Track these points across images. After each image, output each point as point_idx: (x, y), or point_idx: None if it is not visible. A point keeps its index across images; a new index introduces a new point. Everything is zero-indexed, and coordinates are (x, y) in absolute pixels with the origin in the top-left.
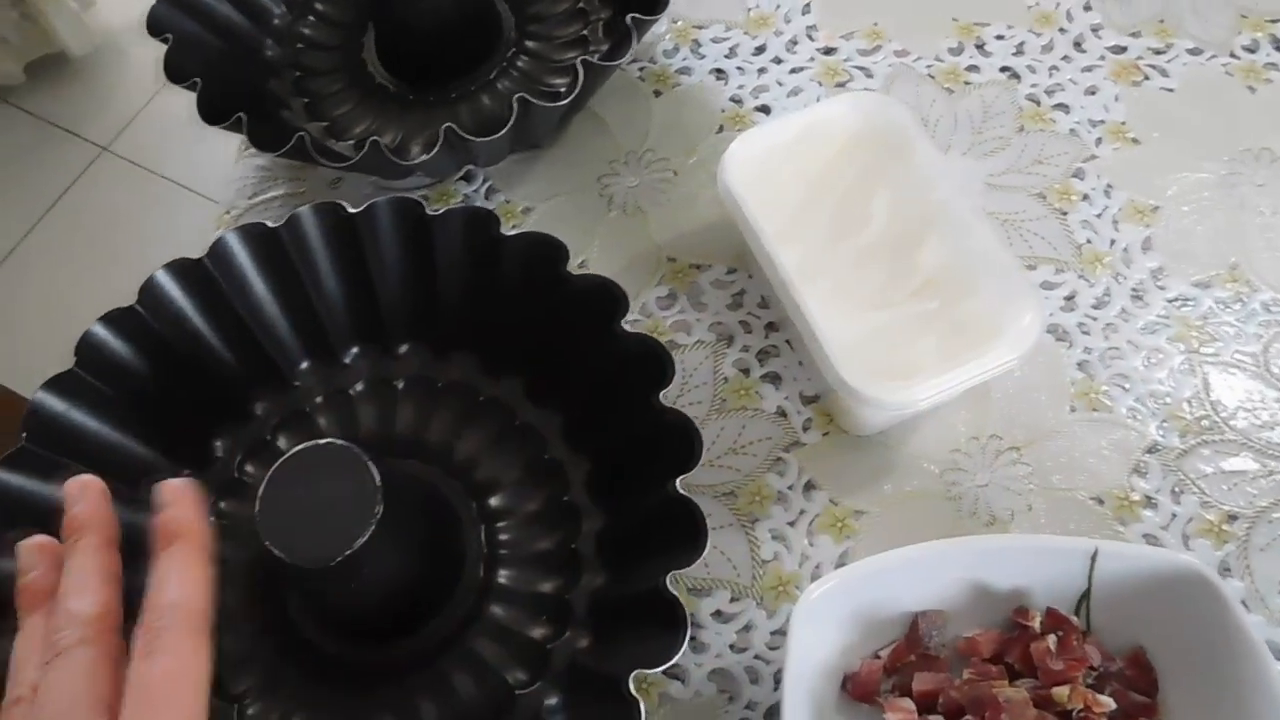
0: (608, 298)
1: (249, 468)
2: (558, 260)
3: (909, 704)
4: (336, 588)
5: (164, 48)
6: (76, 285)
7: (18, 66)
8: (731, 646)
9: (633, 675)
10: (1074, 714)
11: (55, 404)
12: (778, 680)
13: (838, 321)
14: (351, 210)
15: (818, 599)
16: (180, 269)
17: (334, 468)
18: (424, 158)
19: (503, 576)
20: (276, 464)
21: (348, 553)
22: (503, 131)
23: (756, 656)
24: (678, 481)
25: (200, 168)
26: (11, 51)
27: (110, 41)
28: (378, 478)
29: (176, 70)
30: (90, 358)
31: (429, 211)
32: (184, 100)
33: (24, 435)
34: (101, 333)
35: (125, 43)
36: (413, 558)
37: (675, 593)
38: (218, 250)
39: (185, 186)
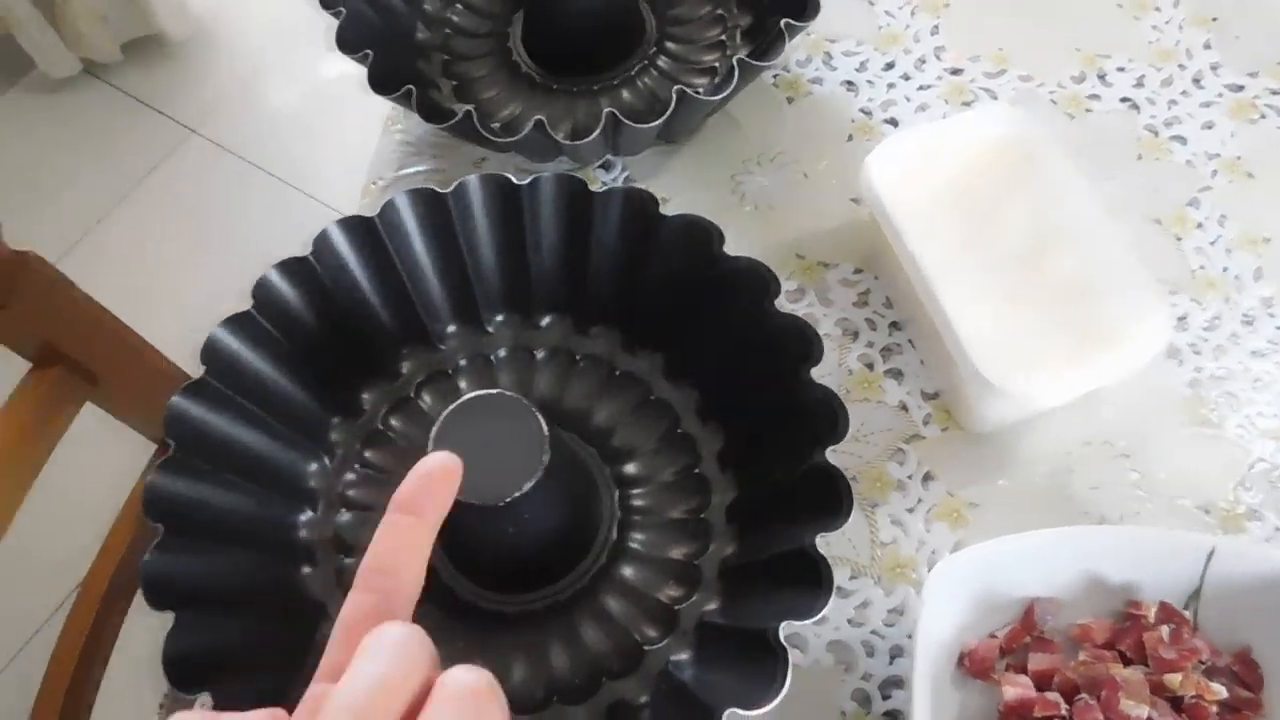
0: (760, 278)
1: (393, 421)
2: (712, 242)
3: (1026, 680)
4: (494, 530)
5: (256, 33)
6: (156, 262)
7: (115, 45)
8: (849, 621)
9: (782, 626)
10: (1184, 701)
11: (230, 341)
12: (892, 655)
13: (971, 320)
14: (517, 182)
15: (950, 571)
16: (351, 225)
17: (503, 417)
18: (584, 140)
19: (634, 540)
20: (448, 409)
21: (517, 494)
22: (661, 119)
23: (873, 631)
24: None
25: (286, 155)
26: (110, 30)
27: (206, 26)
28: (545, 428)
29: (348, 42)
30: (264, 300)
31: (591, 189)
32: (275, 89)
33: (204, 368)
34: (275, 278)
35: (221, 28)
36: (560, 512)
37: (822, 552)
38: (388, 210)
39: (269, 172)
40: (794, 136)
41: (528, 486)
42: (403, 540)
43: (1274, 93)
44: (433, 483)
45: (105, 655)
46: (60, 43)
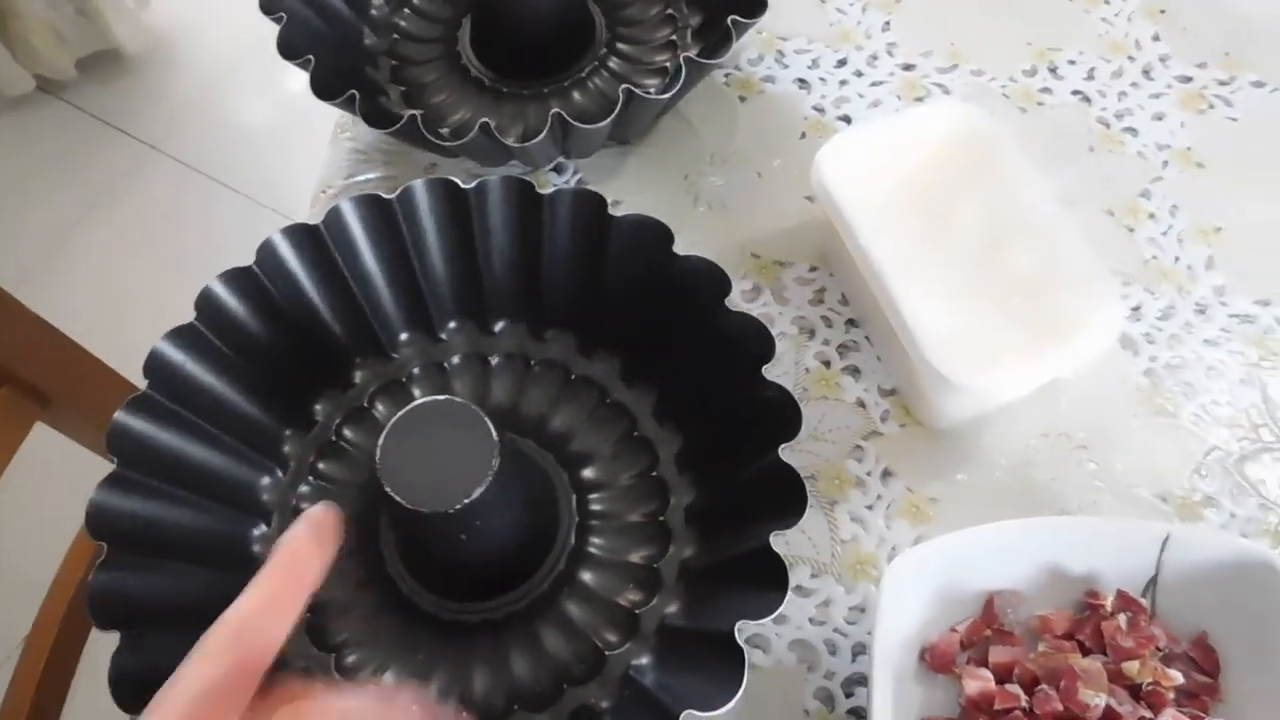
0: (712, 278)
1: (347, 432)
2: (663, 241)
3: (987, 673)
4: (447, 538)
5: (217, 47)
6: (119, 282)
7: (69, 62)
8: (811, 620)
9: (738, 625)
10: (1143, 688)
11: (174, 354)
12: (855, 653)
13: (926, 315)
14: (464, 186)
15: (909, 565)
16: (296, 233)
17: (452, 423)
18: (532, 142)
19: (593, 545)
20: (396, 416)
21: (466, 501)
22: (608, 120)
23: (835, 630)
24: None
25: (250, 170)
26: (65, 47)
27: (163, 40)
28: (495, 434)
29: (289, 48)
30: (207, 312)
31: (539, 190)
32: (238, 103)
33: (147, 382)
34: (219, 289)
35: (180, 41)
36: (515, 518)
37: (779, 550)
38: (333, 217)
39: (232, 188)
40: (747, 135)
41: (478, 493)
42: (278, 596)
43: (1222, 83)
44: (318, 529)
45: (67, 679)
46: (12, 59)
